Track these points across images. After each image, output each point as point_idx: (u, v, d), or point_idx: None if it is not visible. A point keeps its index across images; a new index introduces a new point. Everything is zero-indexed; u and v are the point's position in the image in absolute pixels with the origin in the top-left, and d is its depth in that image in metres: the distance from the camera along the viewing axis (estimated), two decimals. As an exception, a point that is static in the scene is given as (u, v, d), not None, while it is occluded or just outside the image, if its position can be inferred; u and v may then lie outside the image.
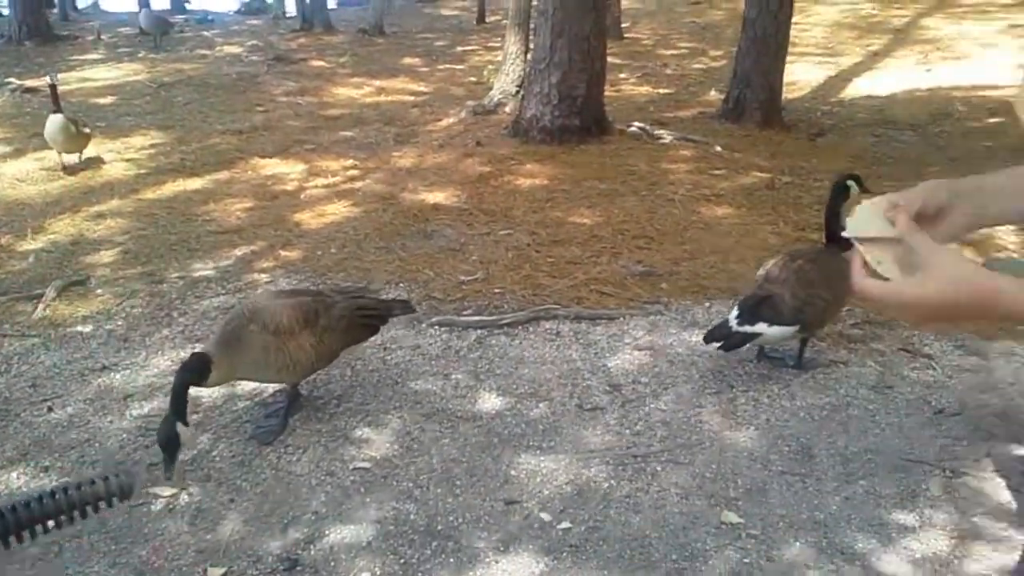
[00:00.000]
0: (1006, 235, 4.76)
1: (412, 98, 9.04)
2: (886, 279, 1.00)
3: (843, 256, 3.10)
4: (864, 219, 1.04)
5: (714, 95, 8.54)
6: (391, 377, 3.39)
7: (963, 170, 6.16)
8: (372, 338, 3.27)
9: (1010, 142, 6.89)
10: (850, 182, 3.24)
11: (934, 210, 1.10)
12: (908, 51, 10.46)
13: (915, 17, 12.18)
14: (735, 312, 3.20)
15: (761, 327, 3.13)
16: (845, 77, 9.56)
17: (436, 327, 3.80)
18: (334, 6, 17.90)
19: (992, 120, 7.61)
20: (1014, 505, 2.60)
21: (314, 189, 5.85)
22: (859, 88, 9.05)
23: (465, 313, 3.93)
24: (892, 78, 9.36)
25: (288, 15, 17.71)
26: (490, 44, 12.45)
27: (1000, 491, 2.69)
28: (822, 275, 3.20)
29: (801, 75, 9.62)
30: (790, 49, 10.11)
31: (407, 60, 11.66)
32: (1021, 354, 3.53)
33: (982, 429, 3.00)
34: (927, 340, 3.65)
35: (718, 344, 3.19)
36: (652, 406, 3.18)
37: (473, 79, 10.07)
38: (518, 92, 7.66)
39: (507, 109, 7.81)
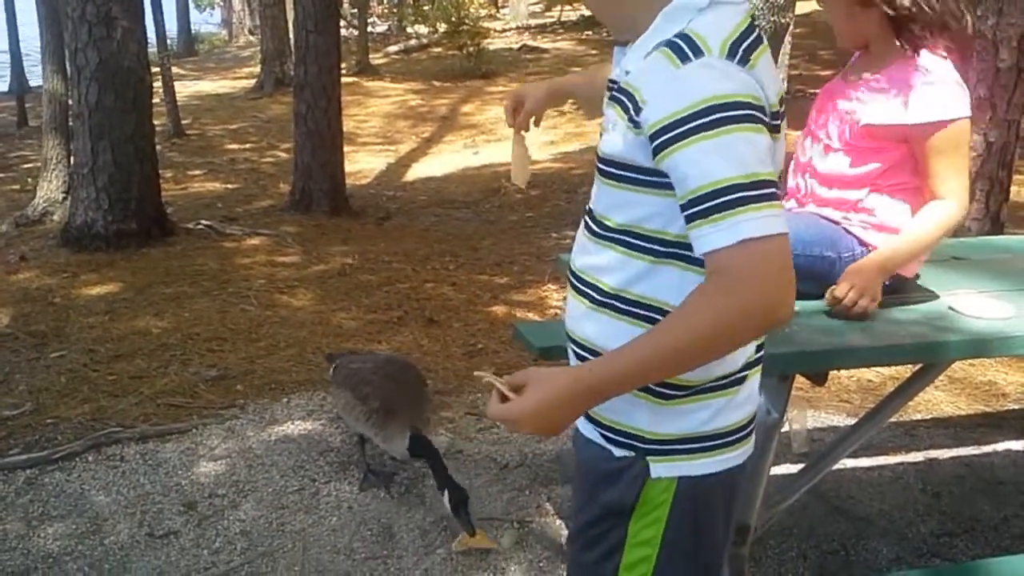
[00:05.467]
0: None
1: (-63, 214, 7.93)
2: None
3: None
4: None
5: (284, 187, 8.62)
6: (-88, 547, 2.86)
7: (511, 240, 6.84)
8: None
9: (548, 211, 7.81)
10: None
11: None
12: (456, 136, 11.49)
13: (456, 104, 13.42)
14: None
15: None
16: (405, 163, 10.21)
17: (-29, 475, 3.30)
18: None
19: (533, 193, 8.57)
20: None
21: None
22: (418, 172, 9.71)
23: (11, 453, 3.47)
24: (446, 161, 10.19)
25: None
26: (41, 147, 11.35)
27: (561, 531, 2.95)
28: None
29: (365, 164, 10.09)
30: (352, 140, 10.65)
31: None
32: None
33: (541, 476, 3.29)
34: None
35: None
36: (232, 518, 3.03)
37: (18, 187, 9.12)
38: (65, 199, 7.07)
39: (55, 218, 7.16)
